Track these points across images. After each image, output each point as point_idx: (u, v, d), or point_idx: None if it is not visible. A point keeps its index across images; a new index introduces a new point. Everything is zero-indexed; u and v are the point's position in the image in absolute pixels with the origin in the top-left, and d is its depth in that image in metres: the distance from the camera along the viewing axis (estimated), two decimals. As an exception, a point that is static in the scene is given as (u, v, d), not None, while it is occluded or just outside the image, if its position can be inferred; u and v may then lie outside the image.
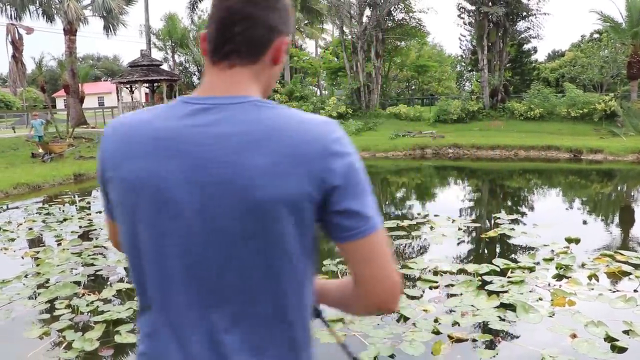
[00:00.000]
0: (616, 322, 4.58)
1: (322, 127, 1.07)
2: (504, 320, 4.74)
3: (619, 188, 14.60)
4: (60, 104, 52.16)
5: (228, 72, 1.10)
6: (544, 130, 22.66)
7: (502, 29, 26.86)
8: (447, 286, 5.71)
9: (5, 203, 12.33)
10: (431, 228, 8.57)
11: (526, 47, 35.69)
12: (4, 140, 22.27)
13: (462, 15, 28.43)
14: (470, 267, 6.27)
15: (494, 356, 4.12)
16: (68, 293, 5.94)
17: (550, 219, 9.05)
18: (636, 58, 24.85)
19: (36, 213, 10.91)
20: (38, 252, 7.61)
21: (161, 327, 1.12)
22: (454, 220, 9.01)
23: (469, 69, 40.20)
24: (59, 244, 8.13)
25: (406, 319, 4.86)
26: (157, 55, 39.12)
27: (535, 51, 38.26)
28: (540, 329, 4.61)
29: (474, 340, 4.38)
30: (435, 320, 4.76)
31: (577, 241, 7.30)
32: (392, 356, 4.17)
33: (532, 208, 11.51)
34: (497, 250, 7.49)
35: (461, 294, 5.40)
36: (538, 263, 6.44)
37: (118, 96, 31.51)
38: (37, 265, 7.03)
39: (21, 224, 9.71)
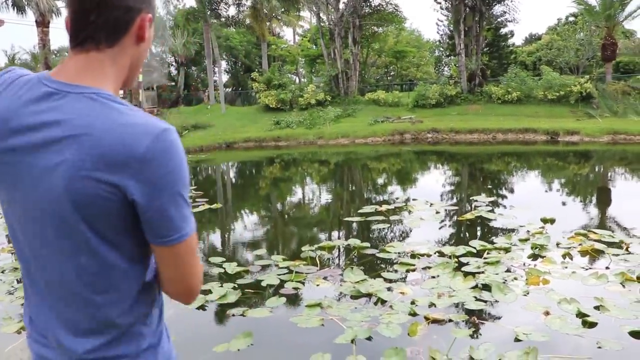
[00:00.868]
0: (588, 298, 4.66)
1: (138, 134, 1.04)
2: (479, 300, 4.79)
3: (595, 169, 14.81)
4: (35, 97, 51.37)
5: (82, 57, 1.11)
6: (522, 113, 22.86)
7: (479, 13, 26.96)
8: (424, 269, 5.75)
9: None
10: (409, 212, 8.62)
11: (503, 31, 35.82)
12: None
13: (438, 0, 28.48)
14: (447, 250, 6.31)
15: (470, 335, 4.16)
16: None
17: (527, 200, 9.17)
18: (610, 40, 25.14)
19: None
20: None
21: None
22: (432, 204, 9.07)
23: (447, 53, 40.29)
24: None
25: (383, 301, 4.88)
26: (132, 45, 38.61)
27: (512, 35, 38.43)
28: (515, 308, 4.66)
29: (450, 321, 4.42)
30: (412, 302, 4.79)
31: (552, 221, 7.40)
32: (369, 338, 4.19)
33: (510, 190, 11.62)
34: (474, 232, 7.56)
35: (438, 276, 5.44)
36: (514, 244, 6.51)
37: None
38: (15, 260, 6.95)
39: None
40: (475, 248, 6.33)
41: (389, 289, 5.21)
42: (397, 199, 10.16)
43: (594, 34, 29.62)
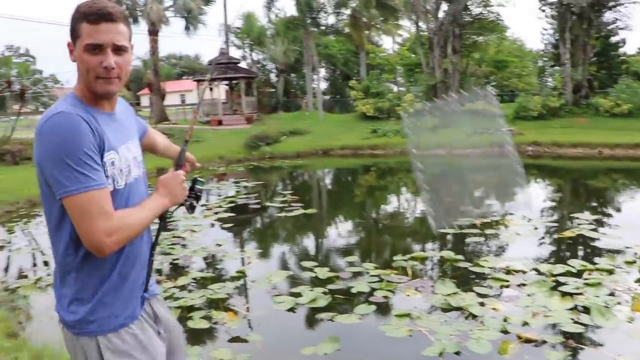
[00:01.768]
0: (700, 329, 4.35)
1: (43, 117, 1.54)
2: (577, 323, 4.59)
3: None
4: (144, 101, 54.33)
5: None
6: (633, 128, 21.45)
7: (587, 21, 25.66)
8: (518, 285, 5.58)
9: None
10: (505, 227, 8.37)
11: (613, 39, 33.88)
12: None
13: (543, 7, 27.42)
14: (544, 267, 6.09)
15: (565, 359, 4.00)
16: (147, 280, 6.23)
17: (636, 221, 8.62)
18: None
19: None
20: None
21: None
22: (530, 220, 8.75)
23: (551, 64, 38.64)
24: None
25: (474, 316, 4.79)
26: (235, 53, 40.08)
27: (624, 43, 36.22)
28: (617, 335, 4.43)
29: (544, 342, 4.27)
30: (505, 319, 4.67)
31: (663, 244, 6.93)
32: (457, 353, 4.13)
33: (616, 209, 10.97)
34: (574, 251, 7.22)
35: (533, 294, 5.27)
36: (619, 266, 6.16)
37: (198, 93, 32.52)
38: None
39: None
40: (574, 267, 6.05)
41: (481, 304, 5.10)
42: (493, 212, 9.89)
43: None
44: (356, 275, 6.28)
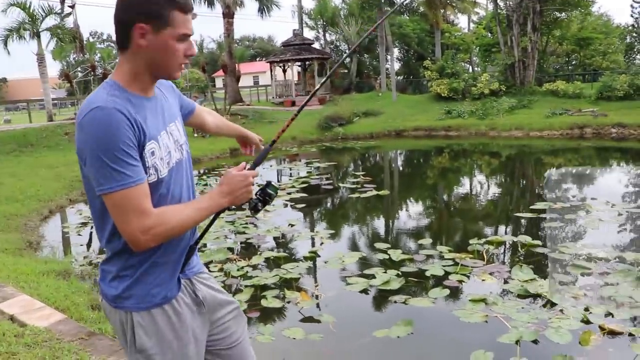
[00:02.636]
0: None
1: (82, 108, 1.51)
2: (667, 315, 4.35)
3: None
4: (219, 83, 55.44)
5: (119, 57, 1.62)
6: None
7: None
8: (601, 274, 5.34)
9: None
10: (587, 212, 8.02)
11: None
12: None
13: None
14: (630, 256, 5.80)
15: (652, 352, 3.81)
16: (221, 258, 6.42)
17: None
18: None
19: (196, 184, 11.78)
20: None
21: None
22: (613, 205, 8.35)
23: (640, 40, 36.49)
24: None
25: (553, 304, 4.64)
26: (308, 34, 40.07)
27: None
28: None
29: (631, 335, 4.08)
30: (586, 309, 4.49)
31: None
32: (535, 341, 4.01)
33: None
34: (663, 239, 6.84)
35: (617, 284, 5.03)
36: None
37: (272, 75, 32.83)
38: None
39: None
40: (663, 257, 5.73)
41: (559, 291, 4.93)
42: (573, 196, 9.51)
43: None
44: (429, 258, 6.20)
